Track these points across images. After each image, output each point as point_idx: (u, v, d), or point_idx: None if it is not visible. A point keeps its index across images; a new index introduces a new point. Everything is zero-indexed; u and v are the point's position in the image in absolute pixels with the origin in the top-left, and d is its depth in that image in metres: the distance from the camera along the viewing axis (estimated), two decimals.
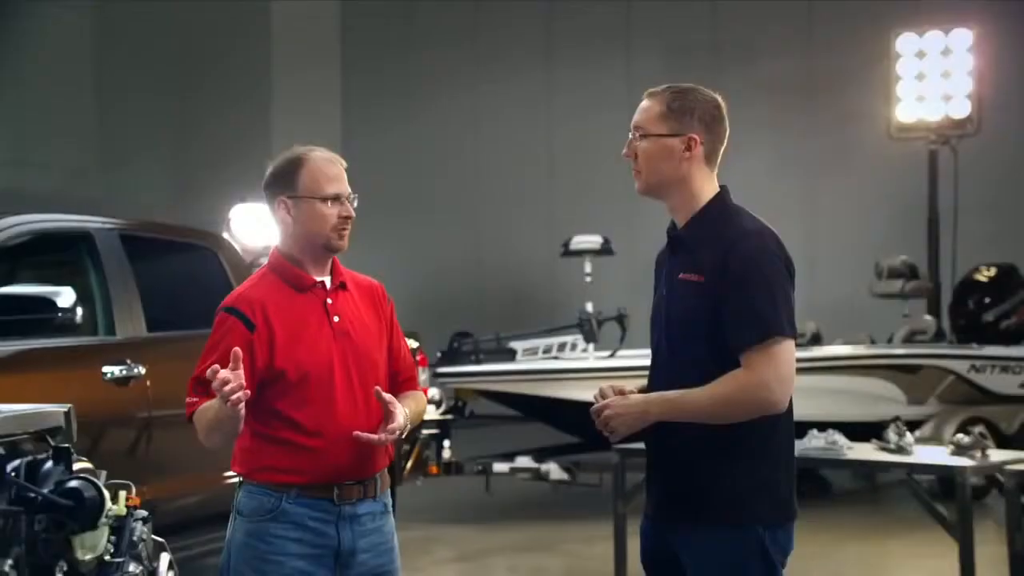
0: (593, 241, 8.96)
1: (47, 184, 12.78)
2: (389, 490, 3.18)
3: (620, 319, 8.44)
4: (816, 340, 9.12)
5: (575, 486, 8.29)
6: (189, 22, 14.07)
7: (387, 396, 2.99)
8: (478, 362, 8.33)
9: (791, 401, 2.83)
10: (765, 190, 12.21)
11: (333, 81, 14.42)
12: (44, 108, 13.62)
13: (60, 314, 4.54)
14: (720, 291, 2.77)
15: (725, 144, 2.94)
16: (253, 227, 10.20)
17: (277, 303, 3.07)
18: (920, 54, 10.33)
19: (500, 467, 8.08)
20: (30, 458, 2.02)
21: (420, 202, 13.85)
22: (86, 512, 1.97)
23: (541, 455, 8.20)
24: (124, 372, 5.09)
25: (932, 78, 10.28)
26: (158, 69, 14.27)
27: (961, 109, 10.21)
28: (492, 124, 13.15)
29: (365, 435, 2.98)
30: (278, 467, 3.01)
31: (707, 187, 2.91)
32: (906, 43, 10.35)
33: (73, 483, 1.99)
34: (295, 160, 3.10)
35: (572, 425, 8.44)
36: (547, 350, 8.49)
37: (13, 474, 1.94)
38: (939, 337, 9.27)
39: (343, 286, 3.15)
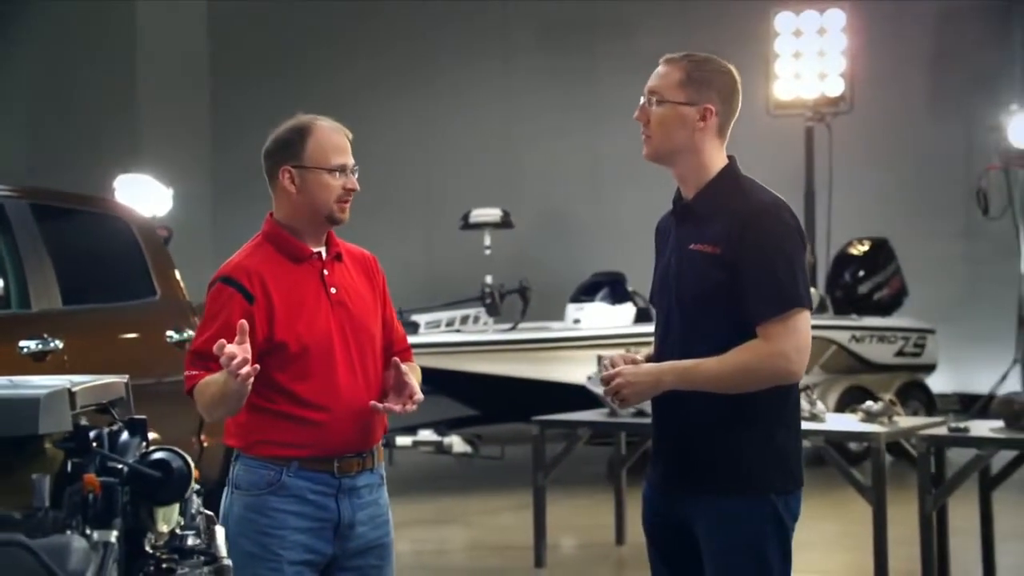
0: (492, 214, 8.99)
1: None
2: (383, 462, 3.17)
3: (522, 292, 8.49)
4: None
5: (477, 459, 8.33)
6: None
7: (404, 366, 2.98)
8: None
9: None
10: (642, 166, 12.38)
11: (200, 55, 14.02)
12: None
13: None
14: (738, 263, 2.78)
15: (737, 116, 2.97)
16: (137, 197, 9.98)
17: (274, 274, 3.01)
18: (797, 32, 10.59)
19: (403, 440, 8.05)
20: (108, 429, 1.94)
21: None
22: (174, 484, 1.91)
23: (443, 428, 8.20)
24: (40, 346, 4.94)
25: (808, 56, 10.56)
26: (16, 41, 13.66)
27: (835, 87, 10.53)
28: (369, 100, 12.91)
29: (386, 405, 2.96)
30: (279, 441, 2.97)
31: (717, 158, 2.92)
32: (783, 21, 10.61)
33: (160, 454, 1.91)
34: (301, 129, 3.04)
35: (474, 398, 8.46)
36: (450, 323, 8.48)
37: (95, 444, 1.86)
38: (822, 309, 9.58)
39: (339, 257, 3.11)
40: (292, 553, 2.96)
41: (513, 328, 8.53)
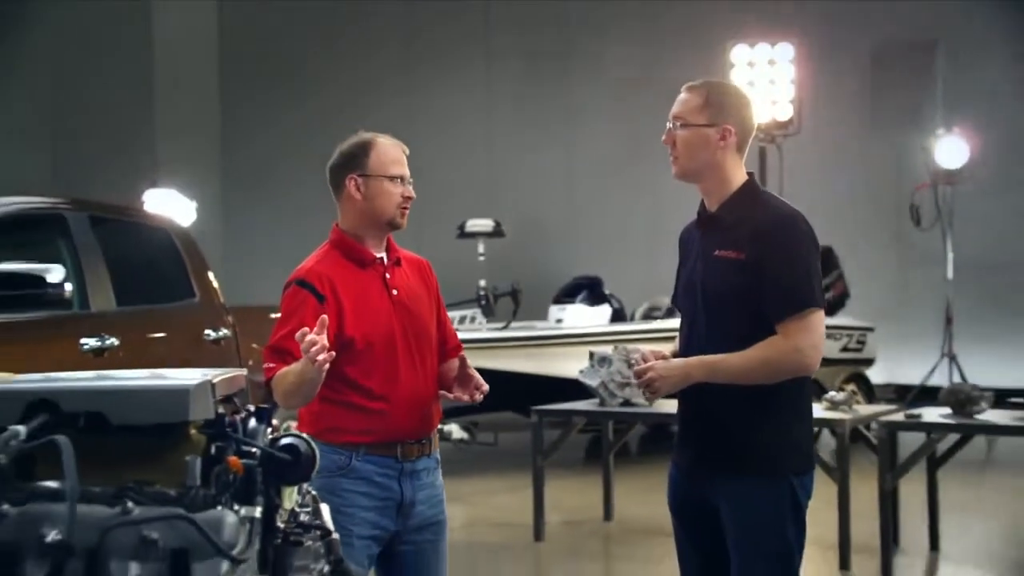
0: (486, 223, 9.00)
1: None
2: (438, 448, 3.19)
3: (514, 294, 8.50)
4: (671, 313, 9.40)
5: (474, 444, 8.34)
6: (72, 16, 13.38)
7: (468, 361, 3.03)
8: None
9: None
10: (617, 179, 12.48)
11: (210, 75, 13.96)
12: None
13: (50, 289, 4.36)
14: (759, 267, 2.80)
15: (753, 135, 3.01)
16: (163, 209, 9.92)
17: (343, 277, 3.04)
18: (751, 64, 10.68)
19: None
20: (239, 416, 1.95)
21: (309, 189, 13.56)
22: (303, 466, 1.92)
23: (442, 417, 8.17)
24: (99, 344, 4.91)
25: (761, 85, 10.64)
26: (43, 58, 13.50)
27: (785, 112, 10.61)
28: (360, 119, 12.87)
29: (455, 395, 3.00)
30: (348, 428, 2.99)
31: (737, 173, 2.95)
32: (739, 53, 10.70)
33: (289, 440, 1.93)
34: (365, 143, 3.07)
35: None
36: None
37: (230, 430, 1.88)
38: None
39: (398, 262, 3.14)
40: (361, 529, 2.98)
41: (505, 327, 8.54)
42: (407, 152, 3.11)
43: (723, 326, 2.89)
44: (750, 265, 2.83)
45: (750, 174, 2.99)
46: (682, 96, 2.96)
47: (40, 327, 4.70)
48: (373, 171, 3.03)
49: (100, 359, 4.85)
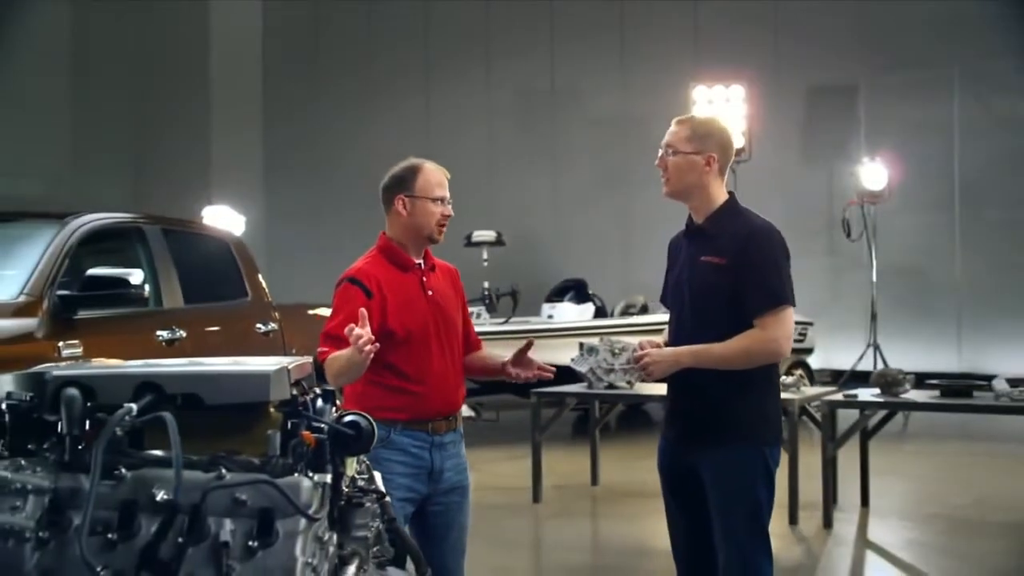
0: (489, 235, 8.96)
1: (31, 190, 11.77)
2: (462, 424, 3.15)
3: (513, 294, 8.46)
4: (644, 309, 9.37)
5: (479, 421, 8.28)
6: (144, 70, 13.35)
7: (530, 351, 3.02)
8: None
9: None
10: (594, 199, 12.46)
11: (256, 114, 13.96)
12: (19, 120, 12.55)
13: (132, 290, 4.33)
14: (739, 270, 2.79)
15: (732, 161, 2.99)
16: (221, 222, 9.84)
17: (387, 278, 3.00)
18: (709, 101, 10.68)
19: None
20: (308, 397, 1.92)
21: (336, 206, 13.50)
22: (363, 439, 1.89)
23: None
24: (170, 335, 4.87)
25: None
26: (124, 115, 13.45)
27: (738, 142, 10.60)
28: (378, 137, 12.75)
29: (514, 372, 2.97)
30: (388, 407, 2.95)
31: (720, 193, 2.94)
32: (699, 93, 10.70)
33: (351, 417, 1.90)
34: (414, 168, 3.03)
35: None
36: None
37: (302, 408, 1.85)
38: None
39: (433, 268, 3.11)
40: (398, 492, 2.93)
41: (506, 322, 8.50)
42: (449, 176, 3.07)
43: (705, 320, 2.87)
44: (731, 269, 2.82)
45: (731, 193, 2.98)
46: (673, 128, 2.94)
47: (125, 321, 4.66)
48: (419, 193, 2.99)
49: (171, 348, 4.81)
